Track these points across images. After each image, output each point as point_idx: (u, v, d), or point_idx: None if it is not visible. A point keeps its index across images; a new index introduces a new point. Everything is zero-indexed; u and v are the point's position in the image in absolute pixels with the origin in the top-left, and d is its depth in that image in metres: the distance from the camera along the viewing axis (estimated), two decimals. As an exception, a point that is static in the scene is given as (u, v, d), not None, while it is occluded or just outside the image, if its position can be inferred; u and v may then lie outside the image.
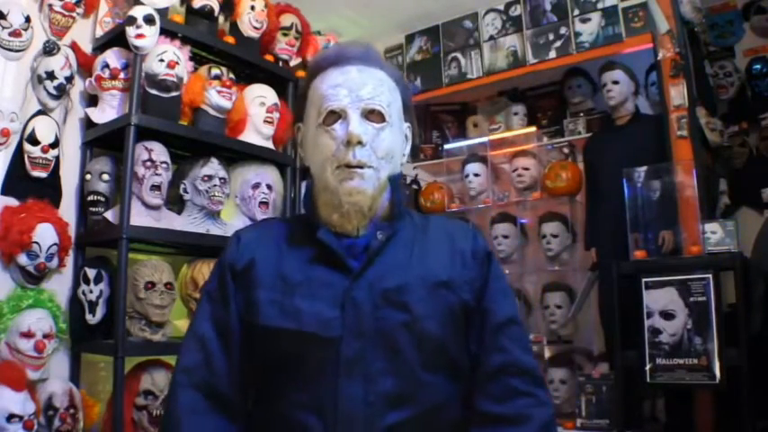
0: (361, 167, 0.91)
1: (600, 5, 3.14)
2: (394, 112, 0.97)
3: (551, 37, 3.28)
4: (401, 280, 0.92)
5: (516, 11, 3.44)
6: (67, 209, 2.15)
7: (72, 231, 2.12)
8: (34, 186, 2.02)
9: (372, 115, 0.94)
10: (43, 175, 2.04)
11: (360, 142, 0.91)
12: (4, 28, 2.00)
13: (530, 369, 0.96)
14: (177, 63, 2.11)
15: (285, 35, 2.72)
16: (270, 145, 2.52)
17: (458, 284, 0.96)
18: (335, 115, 0.94)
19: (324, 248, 0.94)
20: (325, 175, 0.94)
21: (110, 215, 2.06)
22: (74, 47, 2.18)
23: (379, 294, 0.91)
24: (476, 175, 3.45)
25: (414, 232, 1.00)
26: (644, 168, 2.62)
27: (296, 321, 0.90)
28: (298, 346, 0.91)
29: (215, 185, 2.22)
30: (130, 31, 2.05)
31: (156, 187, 2.08)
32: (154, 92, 2.12)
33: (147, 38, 2.05)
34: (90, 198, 2.14)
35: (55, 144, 2.06)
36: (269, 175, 2.44)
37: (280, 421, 0.92)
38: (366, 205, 0.94)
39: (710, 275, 2.25)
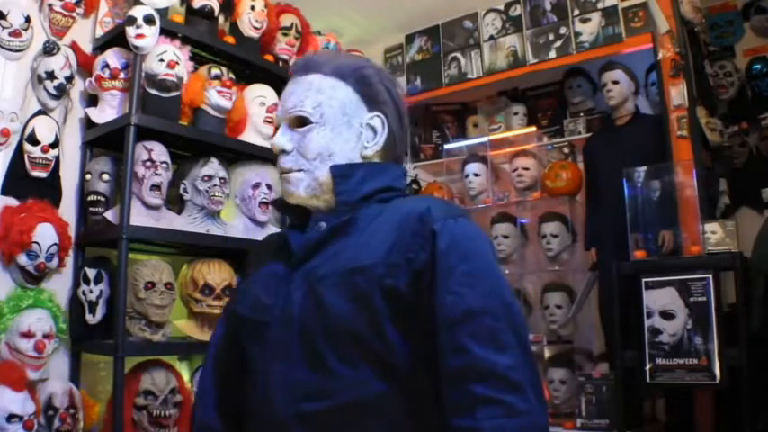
0: (287, 173, 0.98)
1: (600, 5, 3.14)
2: (327, 111, 0.97)
3: (551, 37, 3.28)
4: (327, 270, 0.90)
5: (516, 11, 3.44)
6: (67, 209, 2.15)
7: (72, 231, 2.12)
8: (34, 186, 2.02)
9: (297, 122, 0.99)
10: (43, 175, 2.04)
11: (283, 151, 0.99)
12: (4, 28, 2.00)
13: (496, 370, 0.78)
14: (177, 63, 2.11)
15: (285, 35, 2.72)
16: (270, 145, 2.51)
17: (382, 268, 0.85)
18: (277, 130, 1.03)
19: (286, 244, 0.99)
20: None
21: (110, 215, 2.06)
22: (74, 47, 2.18)
23: (310, 284, 0.91)
24: (476, 175, 3.45)
25: (376, 214, 0.94)
26: (644, 168, 2.62)
27: (246, 307, 0.99)
28: (246, 331, 0.98)
29: (215, 185, 2.22)
30: (130, 31, 2.05)
31: (156, 187, 2.08)
32: (154, 92, 2.11)
33: (147, 38, 2.05)
34: (90, 198, 2.14)
35: (55, 144, 2.06)
36: (269, 175, 2.43)
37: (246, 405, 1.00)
38: (312, 204, 0.98)
39: (710, 275, 2.25)
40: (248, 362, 0.97)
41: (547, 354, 3.07)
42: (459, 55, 3.61)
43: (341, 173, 0.96)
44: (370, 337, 0.84)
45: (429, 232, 0.86)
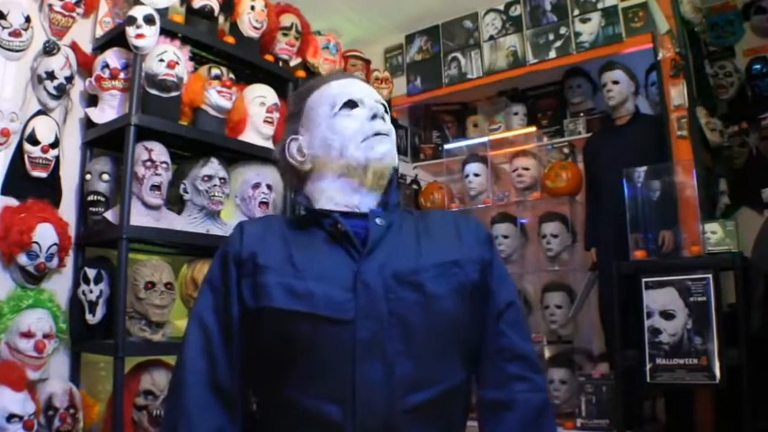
0: (387, 135, 1.01)
1: (600, 5, 3.15)
2: None
3: (551, 37, 3.28)
4: (412, 261, 0.94)
5: (516, 11, 3.44)
6: (67, 209, 2.15)
7: (72, 231, 2.12)
8: (34, 186, 2.02)
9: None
10: (43, 175, 2.04)
11: (383, 117, 1.02)
12: (4, 28, 2.00)
13: (527, 354, 0.98)
14: (177, 63, 2.11)
15: (285, 35, 2.72)
16: (270, 145, 2.51)
17: (467, 263, 0.97)
18: (352, 103, 1.03)
19: (332, 233, 0.95)
20: (348, 152, 0.99)
21: (110, 215, 2.06)
22: (74, 47, 2.18)
23: (390, 276, 0.91)
24: (476, 175, 3.45)
25: (413, 219, 1.03)
26: (644, 168, 2.62)
27: (309, 304, 0.89)
28: (310, 330, 0.89)
29: (215, 185, 2.22)
30: (130, 31, 2.05)
31: (156, 187, 2.08)
32: (154, 92, 2.11)
33: (147, 38, 2.05)
34: (90, 198, 2.14)
35: (55, 144, 2.06)
36: (269, 175, 2.43)
37: (291, 411, 0.90)
38: (388, 171, 1.02)
39: (710, 275, 2.25)
40: (302, 363, 0.89)
41: (547, 354, 3.07)
42: (459, 55, 3.61)
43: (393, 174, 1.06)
44: (466, 324, 0.96)
45: (487, 236, 1.04)
